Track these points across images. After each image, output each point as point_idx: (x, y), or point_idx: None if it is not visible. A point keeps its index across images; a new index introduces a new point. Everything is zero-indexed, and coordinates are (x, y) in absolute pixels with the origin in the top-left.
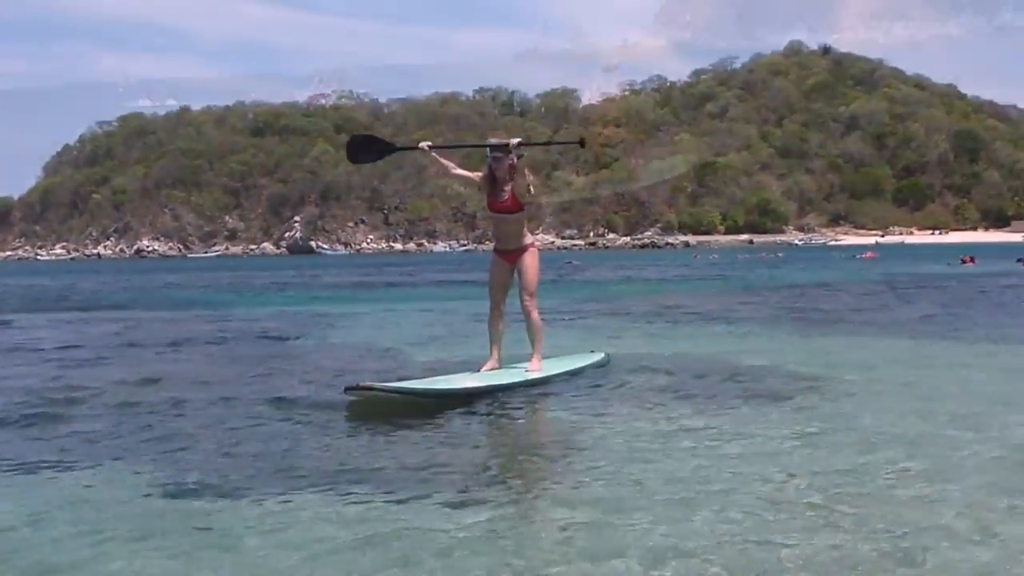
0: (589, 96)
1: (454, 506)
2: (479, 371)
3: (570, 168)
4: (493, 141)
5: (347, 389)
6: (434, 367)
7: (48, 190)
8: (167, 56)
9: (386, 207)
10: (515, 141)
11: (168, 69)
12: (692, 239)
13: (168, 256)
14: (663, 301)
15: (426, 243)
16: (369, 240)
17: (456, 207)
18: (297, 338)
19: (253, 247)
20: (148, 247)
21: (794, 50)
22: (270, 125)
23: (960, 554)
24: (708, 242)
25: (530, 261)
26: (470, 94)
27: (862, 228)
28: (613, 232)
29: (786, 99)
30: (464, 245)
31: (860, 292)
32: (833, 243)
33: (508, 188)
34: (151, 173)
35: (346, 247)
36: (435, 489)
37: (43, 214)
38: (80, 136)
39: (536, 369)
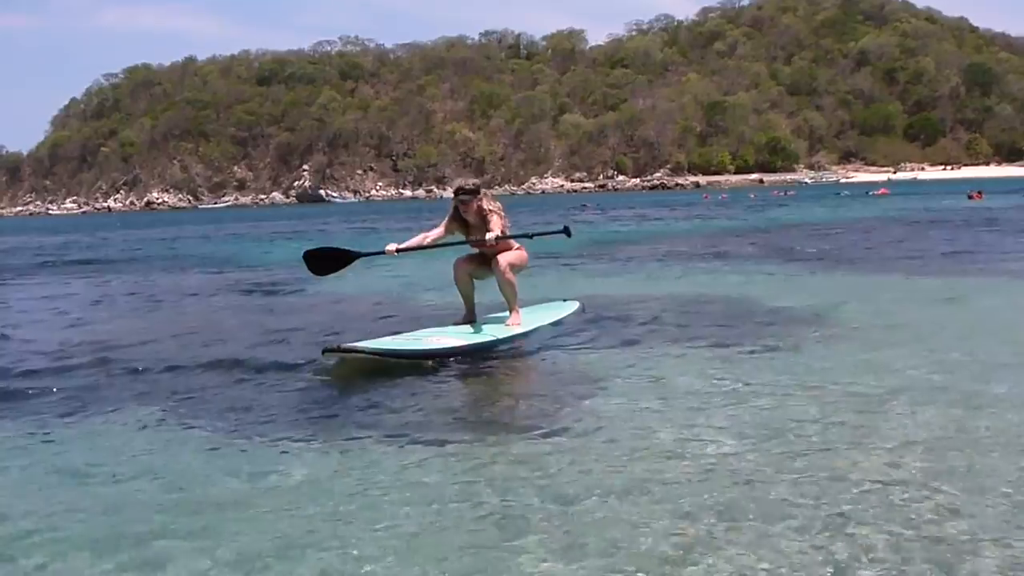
0: (595, 37)
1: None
2: (454, 325)
3: (578, 110)
4: (459, 183)
5: (325, 351)
6: (422, 315)
7: (57, 144)
8: (169, 7)
9: (394, 154)
10: (492, 235)
11: (171, 20)
12: (702, 179)
13: (178, 208)
14: (676, 242)
15: (435, 189)
16: (378, 187)
17: (464, 152)
18: (298, 291)
19: (263, 197)
20: (158, 199)
21: None
22: (276, 73)
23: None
24: (718, 182)
25: (513, 250)
26: (476, 37)
27: (873, 165)
28: (622, 174)
29: (795, 36)
30: None
31: (876, 228)
32: (844, 180)
33: (482, 226)
34: (158, 125)
35: (355, 195)
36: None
37: (52, 168)
38: (87, 89)
39: (516, 323)
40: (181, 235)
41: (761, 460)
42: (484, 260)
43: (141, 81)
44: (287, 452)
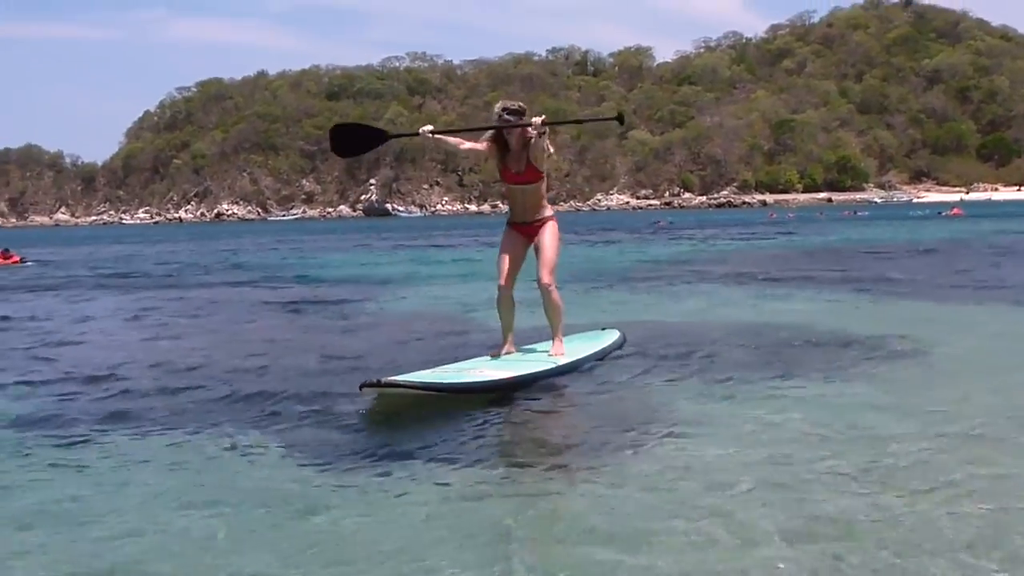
0: (663, 54)
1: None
2: (493, 356)
3: (644, 127)
4: (505, 104)
5: (364, 386)
6: (470, 342)
7: (130, 155)
8: (242, 21)
9: (460, 169)
10: (539, 120)
11: (243, 34)
12: (769, 198)
13: (247, 219)
14: (738, 263)
15: (500, 205)
16: (444, 202)
17: None
18: (354, 310)
19: (330, 210)
20: (227, 211)
21: (874, 2)
22: (344, 88)
23: None
24: (785, 201)
25: (551, 235)
26: (543, 54)
27: (945, 185)
28: (688, 192)
29: (866, 53)
30: None
31: (952, 251)
32: (916, 200)
33: (524, 155)
34: (229, 137)
35: (421, 209)
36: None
37: (126, 179)
38: (160, 102)
39: (560, 353)
40: (249, 247)
41: (854, 508)
42: (519, 237)
43: (213, 94)
44: (320, 491)
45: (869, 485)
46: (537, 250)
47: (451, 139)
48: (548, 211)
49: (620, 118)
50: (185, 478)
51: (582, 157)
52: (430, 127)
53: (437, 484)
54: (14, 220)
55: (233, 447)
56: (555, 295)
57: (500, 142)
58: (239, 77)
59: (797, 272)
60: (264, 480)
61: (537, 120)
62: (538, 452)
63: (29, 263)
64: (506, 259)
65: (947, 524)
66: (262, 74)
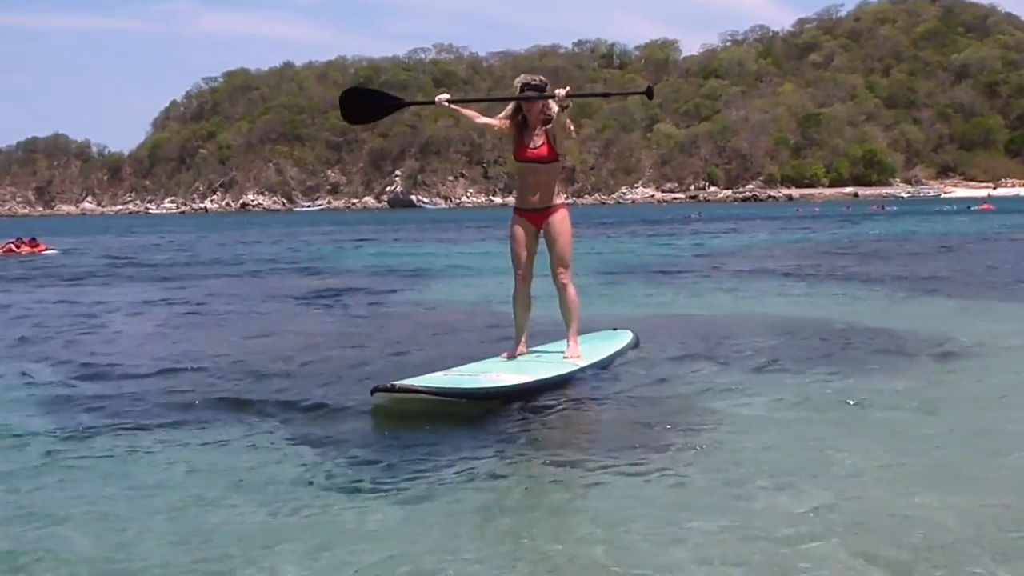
0: (689, 47)
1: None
2: (506, 357)
3: (669, 120)
4: (526, 79)
5: (375, 391)
6: (492, 336)
7: (156, 145)
8: (268, 13)
9: (485, 161)
10: (563, 91)
11: (270, 26)
12: (795, 192)
13: (272, 210)
14: (767, 258)
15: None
16: (469, 194)
17: None
18: (373, 302)
19: (355, 201)
20: (253, 201)
21: None
22: (370, 80)
23: None
24: (811, 195)
25: (561, 226)
26: (569, 46)
27: (972, 180)
28: (714, 185)
29: (893, 47)
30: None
31: (984, 246)
32: (944, 195)
33: (541, 132)
34: (255, 128)
35: (446, 201)
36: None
37: (152, 169)
38: (186, 92)
39: (576, 355)
40: (274, 238)
41: (890, 503)
42: (528, 226)
43: (239, 85)
44: (327, 494)
45: (903, 482)
46: (549, 242)
47: (467, 111)
48: (560, 198)
49: (649, 91)
50: (182, 475)
51: (607, 150)
52: (447, 95)
53: (453, 491)
54: (41, 209)
55: (234, 448)
56: (571, 292)
57: (518, 118)
58: (265, 68)
59: (827, 267)
60: (268, 480)
61: (561, 92)
62: (557, 458)
63: (55, 252)
64: (521, 252)
65: (985, 521)
66: (288, 65)
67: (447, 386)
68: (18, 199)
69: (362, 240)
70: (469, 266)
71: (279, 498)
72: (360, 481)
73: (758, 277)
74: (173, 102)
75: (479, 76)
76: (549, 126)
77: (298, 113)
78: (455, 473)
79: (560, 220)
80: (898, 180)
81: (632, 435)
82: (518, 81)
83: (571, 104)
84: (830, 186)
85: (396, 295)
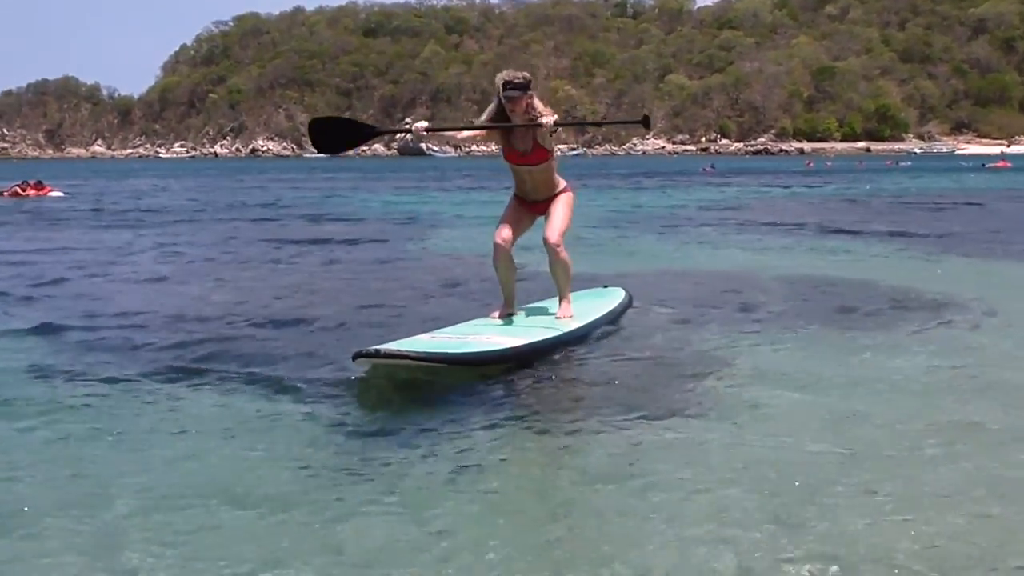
0: None
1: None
2: (495, 317)
3: (682, 71)
4: (506, 76)
5: (357, 356)
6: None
7: (167, 89)
8: None
9: None
10: (550, 119)
11: None
12: (807, 146)
13: (282, 156)
14: (779, 212)
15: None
16: (478, 142)
17: (566, 109)
18: (374, 252)
19: (364, 148)
20: (263, 147)
21: None
22: (382, 26)
23: None
24: (823, 149)
25: (562, 204)
26: None
27: (986, 137)
28: (726, 138)
29: (910, 1)
30: (574, 150)
31: (1006, 204)
32: (958, 151)
33: (529, 134)
34: (265, 73)
35: (456, 149)
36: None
37: (162, 113)
38: (196, 36)
39: (568, 315)
40: (281, 184)
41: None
42: (526, 210)
43: (250, 29)
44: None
45: (918, 436)
46: (547, 216)
47: (446, 132)
48: (561, 185)
49: (646, 121)
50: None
51: (618, 101)
52: (424, 123)
53: (447, 469)
54: (51, 152)
55: (202, 422)
56: (563, 254)
57: (502, 119)
58: (276, 12)
59: (839, 222)
60: (235, 464)
61: (549, 120)
62: (557, 426)
63: (61, 195)
64: (508, 220)
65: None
66: (299, 9)
67: (434, 351)
68: (28, 141)
69: (368, 188)
70: (474, 215)
71: (244, 488)
72: (341, 465)
73: (767, 231)
74: (183, 46)
75: (491, 23)
76: (536, 130)
77: (309, 58)
78: (448, 448)
79: (563, 200)
80: (911, 136)
81: (633, 398)
82: (499, 78)
83: (558, 129)
84: (842, 141)
85: (396, 245)
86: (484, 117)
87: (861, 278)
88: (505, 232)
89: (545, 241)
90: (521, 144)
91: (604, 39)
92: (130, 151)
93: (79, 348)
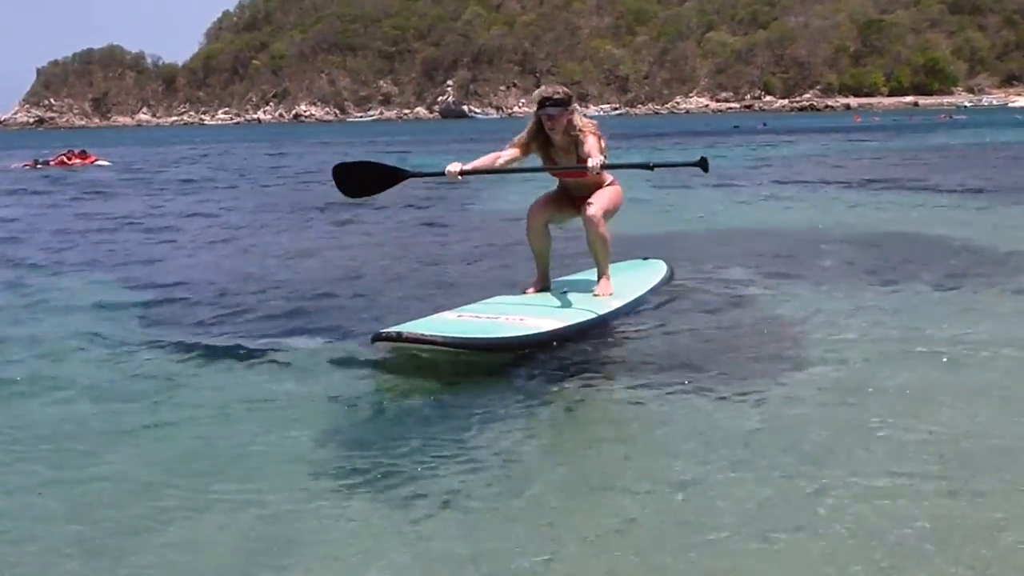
0: None
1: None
2: (527, 292)
3: (725, 28)
4: (545, 90)
5: (377, 338)
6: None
7: (210, 56)
8: None
9: (538, 70)
10: (597, 162)
11: None
12: (853, 101)
13: (324, 121)
14: (836, 168)
15: (578, 107)
16: (521, 104)
17: (608, 69)
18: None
19: (407, 112)
20: (306, 112)
21: None
22: None
23: None
24: (869, 105)
25: (608, 192)
26: None
27: None
28: (770, 95)
29: None
30: (616, 109)
31: None
32: (1011, 104)
33: (570, 148)
34: (307, 38)
35: (498, 111)
36: None
37: (206, 80)
38: (239, 2)
39: (608, 292)
40: (327, 149)
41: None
42: (568, 200)
43: None
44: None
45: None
46: (589, 199)
47: (482, 163)
48: (608, 180)
49: (704, 164)
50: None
51: (661, 59)
52: (459, 166)
53: (482, 475)
54: (97, 120)
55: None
56: (602, 228)
57: (541, 139)
58: None
59: (904, 178)
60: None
61: (595, 163)
62: (604, 424)
63: (107, 163)
64: (548, 196)
65: None
66: None
67: (460, 335)
68: (75, 111)
69: (409, 151)
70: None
71: (253, 491)
72: (357, 469)
73: (832, 189)
74: (226, 12)
75: None
76: (583, 146)
77: (351, 23)
78: (480, 445)
79: (609, 190)
80: (960, 89)
81: (684, 384)
82: (536, 95)
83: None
84: (889, 95)
85: (434, 211)
86: (523, 135)
87: (936, 233)
88: (542, 204)
89: (584, 215)
90: (563, 160)
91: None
92: (175, 119)
93: (116, 318)
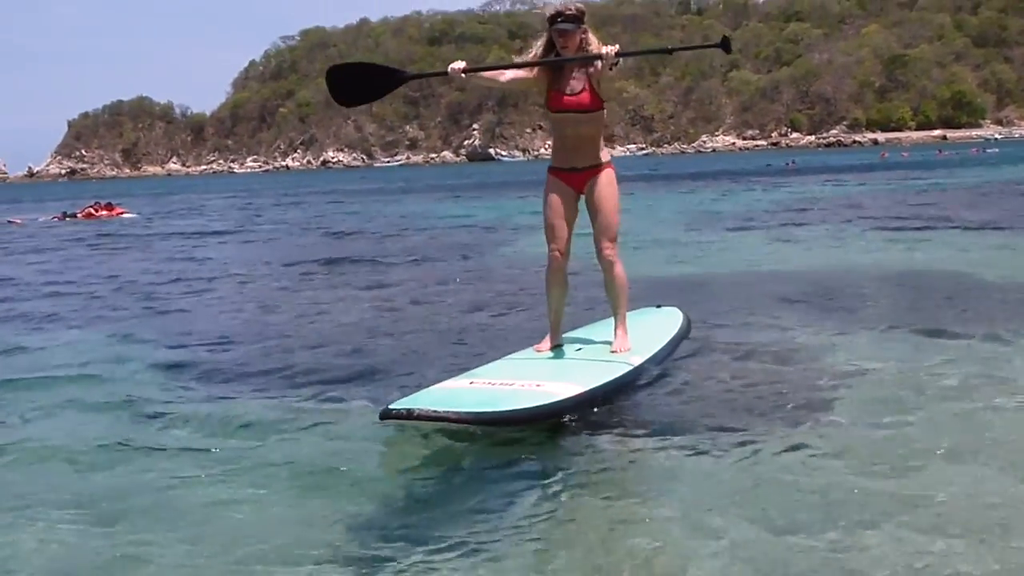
0: None
1: None
2: (539, 350)
3: (749, 66)
4: (559, 7)
5: (385, 416)
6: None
7: (237, 105)
8: None
9: None
10: (611, 49)
11: None
12: (880, 136)
13: (352, 166)
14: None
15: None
16: (547, 146)
17: (633, 109)
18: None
19: (434, 155)
20: (333, 158)
21: None
22: (446, 34)
23: None
24: (898, 139)
25: (607, 189)
26: None
27: None
28: (796, 131)
29: None
30: (643, 149)
31: None
32: None
33: (581, 76)
34: None
35: (524, 153)
36: None
37: (234, 128)
38: (265, 52)
39: (625, 348)
40: (353, 197)
41: None
42: (567, 191)
43: (316, 42)
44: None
45: None
46: (592, 209)
47: (487, 73)
48: (604, 155)
49: (726, 44)
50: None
51: (686, 98)
52: (462, 63)
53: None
54: (128, 170)
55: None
56: (619, 270)
57: (552, 56)
58: (342, 25)
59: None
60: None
61: (609, 50)
62: (618, 490)
63: (134, 216)
64: (558, 221)
65: None
66: (364, 21)
67: (475, 410)
68: (106, 161)
69: (439, 196)
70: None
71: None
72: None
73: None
74: (252, 62)
75: None
76: (591, 70)
77: None
78: (499, 521)
79: (606, 182)
80: (988, 121)
81: (710, 449)
82: (548, 10)
83: (620, 62)
84: (917, 129)
85: (449, 263)
86: (531, 55)
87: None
88: (560, 238)
89: (599, 254)
90: (571, 88)
91: (668, 36)
92: (204, 167)
93: (133, 371)
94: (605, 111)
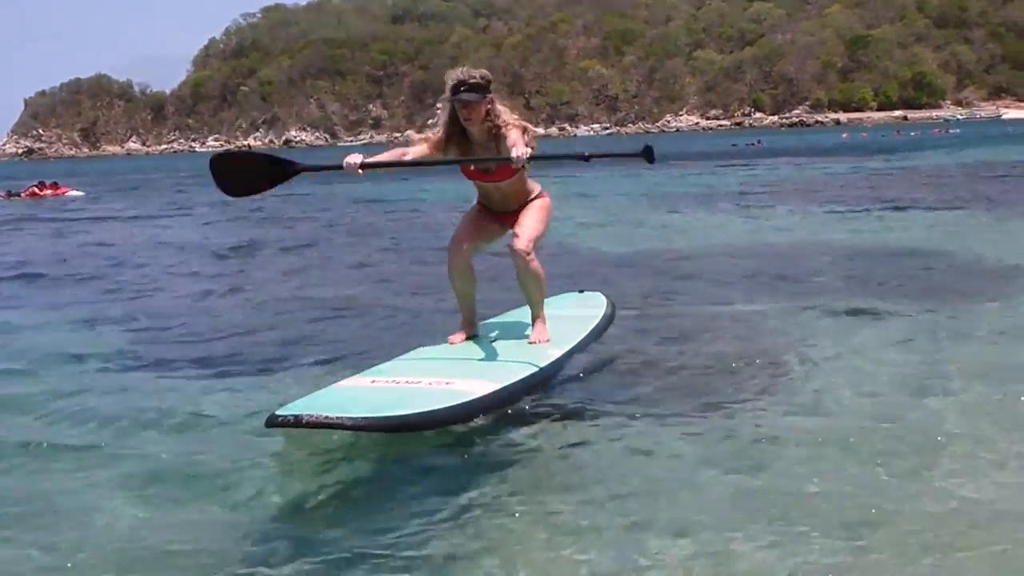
0: None
1: None
2: (453, 343)
3: (713, 46)
4: (461, 76)
5: (271, 423)
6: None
7: (198, 84)
8: None
9: (527, 92)
10: (522, 152)
11: None
12: (843, 116)
13: (315, 146)
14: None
15: (568, 127)
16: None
17: (597, 89)
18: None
19: (397, 135)
20: (296, 137)
21: None
22: (409, 12)
23: None
24: (859, 119)
25: (536, 210)
26: None
27: None
28: (759, 111)
29: None
30: (607, 129)
31: None
32: (1005, 117)
33: (493, 148)
34: (295, 64)
35: None
36: None
37: (195, 107)
38: (226, 29)
39: (544, 339)
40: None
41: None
42: (491, 218)
43: (278, 20)
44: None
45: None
46: (516, 224)
47: (386, 158)
48: (535, 191)
49: (648, 153)
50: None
51: (650, 78)
52: (359, 157)
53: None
54: (87, 150)
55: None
56: (534, 263)
57: (456, 131)
58: (303, 2)
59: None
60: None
61: (521, 154)
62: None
63: (80, 194)
64: (467, 225)
65: None
66: None
67: (374, 414)
68: (64, 141)
69: (407, 178)
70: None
71: None
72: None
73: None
74: (212, 39)
75: (519, 5)
76: (506, 140)
77: (338, 47)
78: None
79: (536, 207)
80: (948, 102)
81: (632, 445)
82: (451, 76)
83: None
84: (878, 110)
85: (404, 242)
86: (437, 128)
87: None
88: (463, 238)
89: (512, 248)
90: (482, 156)
91: (633, 16)
92: (164, 147)
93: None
94: (526, 168)
